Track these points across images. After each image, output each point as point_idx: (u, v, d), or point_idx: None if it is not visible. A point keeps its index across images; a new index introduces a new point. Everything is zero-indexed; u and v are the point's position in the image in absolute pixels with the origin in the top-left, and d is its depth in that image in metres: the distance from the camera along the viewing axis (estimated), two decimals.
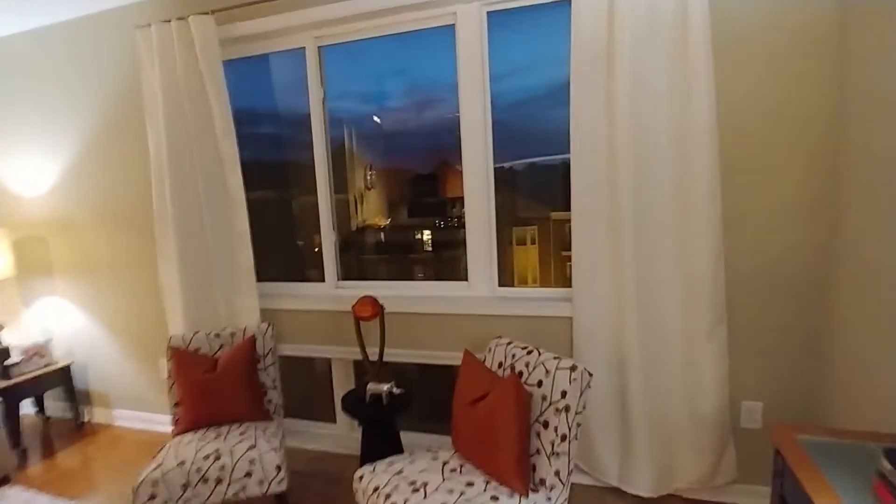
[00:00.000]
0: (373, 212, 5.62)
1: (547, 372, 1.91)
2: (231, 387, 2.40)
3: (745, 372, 2.20)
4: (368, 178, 5.38)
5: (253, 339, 2.55)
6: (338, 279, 2.91)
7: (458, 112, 2.54)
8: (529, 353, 2.04)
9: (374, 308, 2.37)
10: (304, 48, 2.77)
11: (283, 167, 3.47)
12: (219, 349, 2.58)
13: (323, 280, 2.92)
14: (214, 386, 2.38)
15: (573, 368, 1.84)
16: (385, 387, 2.35)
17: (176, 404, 2.47)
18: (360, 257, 5.93)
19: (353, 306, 2.41)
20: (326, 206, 2.83)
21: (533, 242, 7.72)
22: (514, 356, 2.09)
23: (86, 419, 3.54)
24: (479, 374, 2.07)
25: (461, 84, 2.50)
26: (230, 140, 2.73)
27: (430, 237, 6.24)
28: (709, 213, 2.05)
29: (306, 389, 3.32)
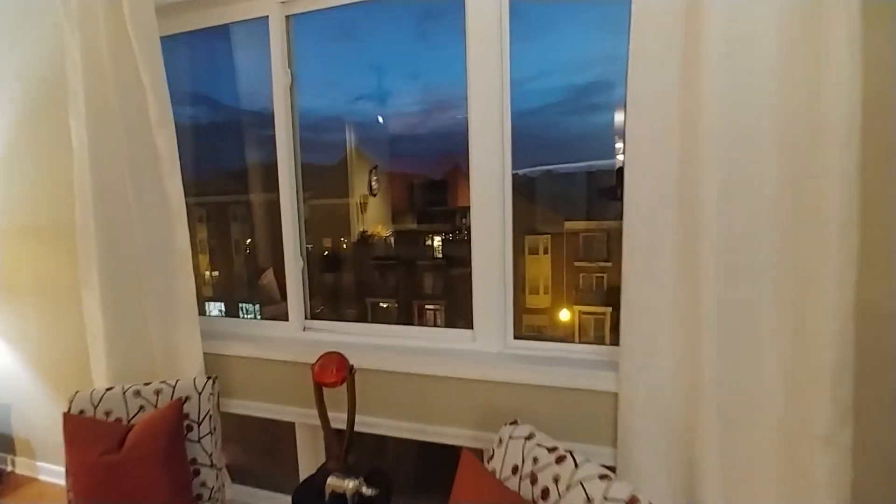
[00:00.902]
0: (375, 220, 4.90)
1: (589, 501, 1.16)
2: (143, 472, 1.67)
3: (875, 495, 1.41)
4: (372, 183, 4.63)
5: (181, 403, 1.81)
6: (305, 318, 2.15)
7: (467, 104, 1.79)
8: (560, 460, 1.30)
9: (339, 372, 1.62)
10: (266, 17, 2.03)
11: (248, 172, 2.76)
12: (137, 412, 1.85)
13: (286, 318, 2.16)
14: (117, 472, 1.65)
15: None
16: (350, 484, 1.58)
17: (70, 498, 1.73)
18: (358, 274, 5.15)
19: (314, 366, 1.65)
20: (292, 225, 2.09)
21: (546, 252, 6.99)
22: (535, 460, 1.34)
23: (8, 469, 2.81)
24: (484, 490, 1.31)
25: (471, 71, 1.78)
26: (168, 133, 2.00)
27: (438, 249, 5.46)
28: (838, 251, 1.27)
29: (267, 445, 2.57)
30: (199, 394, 1.87)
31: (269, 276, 3.59)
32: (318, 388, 1.68)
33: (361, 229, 4.80)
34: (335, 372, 1.62)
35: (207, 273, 4.19)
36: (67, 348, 2.48)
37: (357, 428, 1.79)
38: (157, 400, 1.87)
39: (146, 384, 1.91)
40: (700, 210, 1.38)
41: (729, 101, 1.32)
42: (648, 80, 1.42)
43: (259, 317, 3.44)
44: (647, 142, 1.45)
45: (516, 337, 1.86)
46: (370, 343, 1.99)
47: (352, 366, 1.66)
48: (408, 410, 1.87)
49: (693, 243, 1.41)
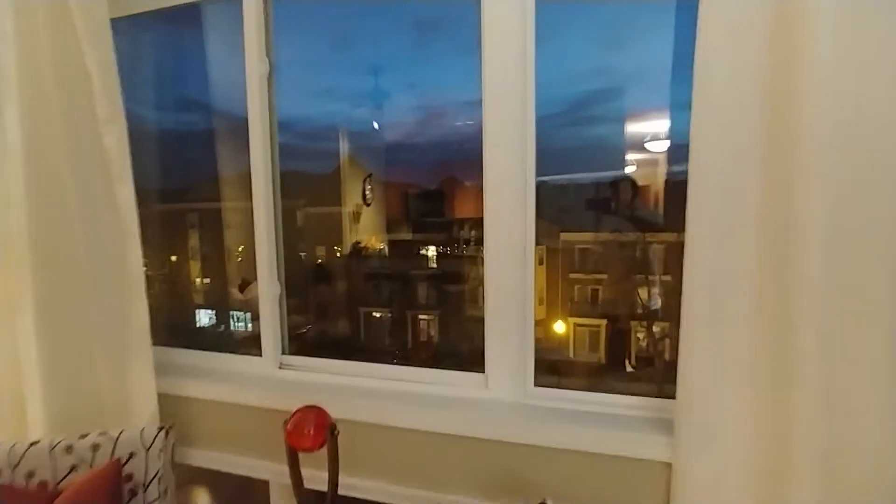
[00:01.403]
0: (369, 231, 4.53)
1: None
2: None
3: None
4: (366, 192, 4.26)
5: (120, 464, 1.41)
6: (283, 352, 1.76)
7: (482, 107, 1.42)
8: None
9: (318, 434, 1.24)
10: None
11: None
12: (68, 474, 1.45)
13: (260, 353, 1.77)
14: None
15: None
16: None
17: None
18: (350, 285, 4.76)
19: (287, 424, 1.26)
20: (267, 242, 1.71)
21: (541, 263, 6.66)
22: None
23: None
24: None
25: (488, 71, 1.41)
26: (118, 129, 1.62)
27: (433, 260, 5.08)
28: None
29: (237, 494, 2.17)
30: (147, 449, 1.48)
31: (255, 290, 3.22)
32: (292, 451, 1.29)
33: (355, 240, 4.40)
34: (312, 434, 1.23)
35: (199, 280, 3.85)
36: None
37: (342, 491, 1.40)
38: (94, 458, 1.47)
39: (82, 437, 1.51)
40: (795, 233, 1.01)
41: (842, 94, 0.96)
42: (723, 66, 1.05)
43: (250, 326, 3.09)
44: (718, 146, 1.08)
45: (538, 383, 1.47)
46: (359, 386, 1.60)
47: (334, 425, 1.27)
48: (404, 473, 1.48)
49: (783, 275, 1.05)
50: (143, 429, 1.53)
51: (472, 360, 1.56)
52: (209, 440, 1.72)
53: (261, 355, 1.75)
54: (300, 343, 3.46)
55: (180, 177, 2.82)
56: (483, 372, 1.51)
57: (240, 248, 3.27)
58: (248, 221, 1.82)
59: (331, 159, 4.44)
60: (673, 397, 1.18)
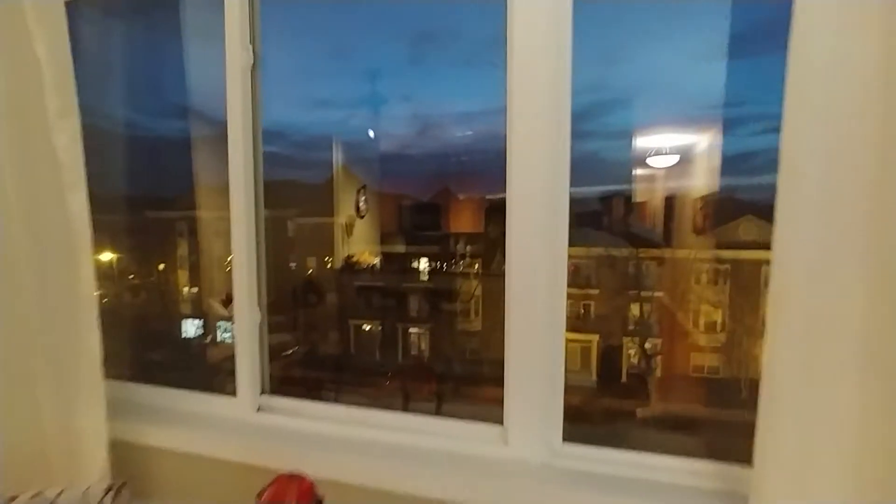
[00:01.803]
0: (362, 243, 4.27)
1: None
2: None
3: None
4: (360, 204, 4.01)
5: None
6: (262, 392, 1.47)
7: (506, 113, 1.16)
8: None
9: None
10: None
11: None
12: None
13: (234, 393, 1.47)
14: None
15: None
16: None
17: None
18: (339, 306, 4.48)
19: (261, 496, 0.97)
20: (246, 261, 1.42)
21: None
22: None
23: None
24: None
25: (515, 70, 1.13)
26: (71, 127, 1.34)
27: (425, 273, 4.81)
28: None
29: None
30: None
31: None
32: None
33: (347, 253, 4.12)
34: None
35: (186, 289, 3.60)
36: None
37: None
38: None
39: (11, 499, 1.20)
40: None
41: None
42: (825, 53, 0.80)
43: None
44: (819, 151, 0.82)
45: (567, 438, 1.20)
46: (350, 437, 1.31)
47: (320, 500, 0.99)
48: None
49: None
50: (87, 488, 1.23)
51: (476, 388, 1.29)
52: (174, 497, 1.42)
53: (235, 395, 1.46)
54: (286, 366, 3.18)
55: (160, 183, 2.59)
56: (500, 422, 1.24)
57: (229, 259, 2.99)
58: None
59: (323, 169, 4.20)
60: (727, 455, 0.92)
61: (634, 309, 6.65)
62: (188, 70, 2.11)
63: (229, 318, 1.50)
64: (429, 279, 4.33)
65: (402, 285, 4.66)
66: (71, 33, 1.35)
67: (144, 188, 2.40)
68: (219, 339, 3.12)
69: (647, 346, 6.49)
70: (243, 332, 1.41)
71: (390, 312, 4.86)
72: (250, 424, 1.42)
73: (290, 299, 3.77)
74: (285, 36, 1.58)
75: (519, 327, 1.20)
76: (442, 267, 4.24)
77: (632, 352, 6.55)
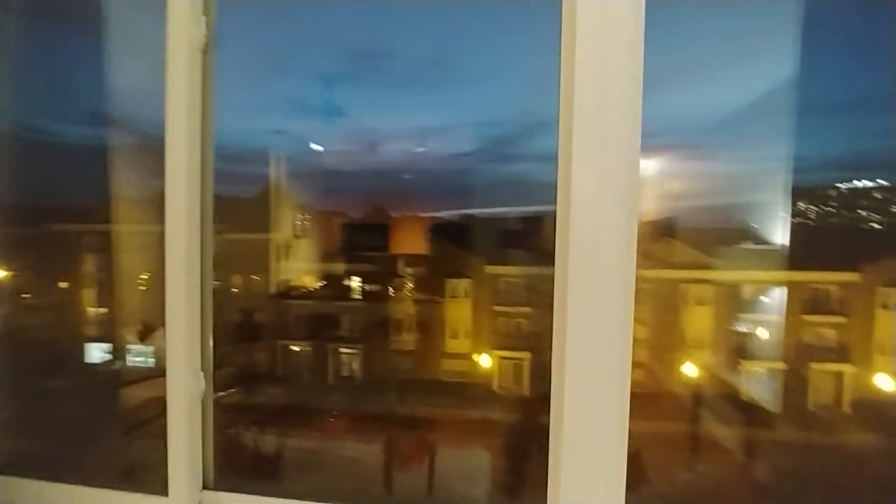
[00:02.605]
0: (301, 266, 3.82)
1: None
2: None
3: None
4: (298, 223, 3.57)
5: None
6: (203, 487, 1.04)
7: (560, 123, 0.86)
8: None
9: None
10: None
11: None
12: None
13: (165, 490, 1.04)
14: None
15: None
16: None
17: None
18: (275, 348, 3.98)
19: None
20: (186, 308, 0.99)
21: (466, 296, 6.22)
22: None
23: None
24: None
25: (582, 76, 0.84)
26: None
27: (366, 301, 4.43)
28: None
29: None
30: None
31: (158, 340, 2.40)
32: None
33: (284, 278, 3.65)
34: None
35: (92, 310, 2.95)
36: None
37: None
38: None
39: None
40: None
41: None
42: None
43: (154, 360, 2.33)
44: None
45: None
46: None
47: None
48: None
49: None
50: None
51: None
52: None
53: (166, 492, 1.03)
54: (222, 414, 2.65)
55: (67, 194, 2.25)
56: None
57: (144, 277, 2.47)
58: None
59: (254, 183, 3.75)
60: None
61: None
62: (108, 73, 1.68)
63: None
64: (386, 305, 3.97)
65: (343, 311, 4.24)
66: None
67: (49, 199, 2.00)
68: (128, 363, 2.60)
69: None
70: (178, 409, 0.99)
71: (326, 336, 4.42)
72: None
73: (223, 330, 3.25)
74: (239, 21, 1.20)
75: (577, 397, 0.89)
76: (389, 290, 3.90)
77: None
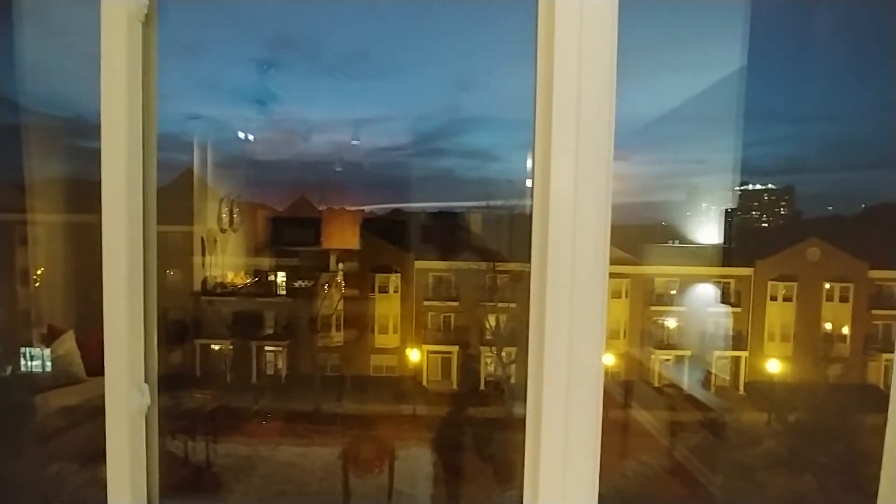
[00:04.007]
0: (230, 261, 3.58)
1: None
2: None
3: None
4: (223, 216, 3.33)
5: None
6: None
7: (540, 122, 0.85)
8: None
9: None
10: None
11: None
12: None
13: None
14: None
15: None
16: None
17: None
18: (196, 349, 3.75)
19: None
20: (128, 308, 0.87)
21: (396, 291, 6.18)
22: None
23: None
24: None
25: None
26: None
27: (285, 289, 4.27)
28: None
29: None
30: None
31: (67, 344, 2.17)
32: None
33: (210, 274, 3.40)
34: None
35: None
36: None
37: None
38: None
39: None
40: None
41: None
42: None
43: (50, 366, 2.05)
44: None
45: None
46: None
47: None
48: None
49: None
50: None
51: None
52: None
53: None
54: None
55: None
56: None
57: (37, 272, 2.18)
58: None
59: (175, 172, 3.44)
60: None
61: (491, 320, 6.79)
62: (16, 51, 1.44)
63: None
64: (313, 300, 3.81)
65: (274, 309, 4.05)
66: None
67: None
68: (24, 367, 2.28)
69: (503, 354, 6.64)
70: (119, 429, 0.86)
71: (251, 335, 4.22)
72: None
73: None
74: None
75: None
76: (317, 285, 3.79)
77: (489, 360, 6.65)
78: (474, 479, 3.18)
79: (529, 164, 0.94)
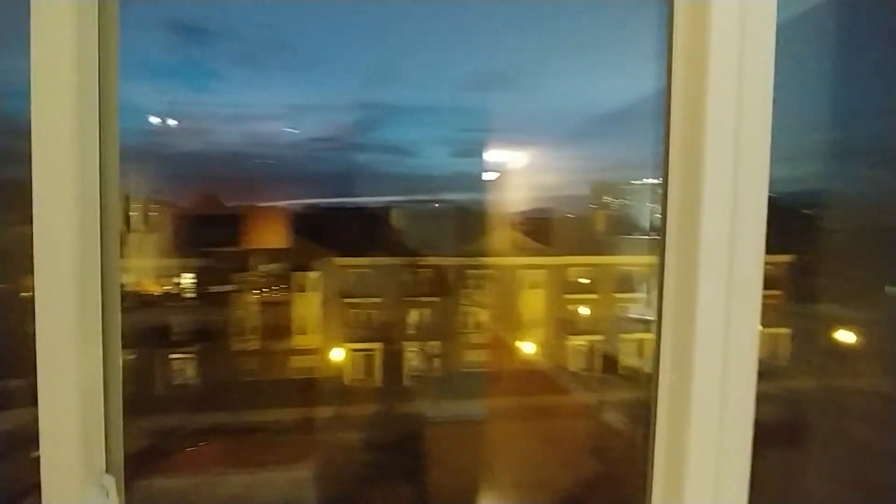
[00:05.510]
0: (139, 266, 3.20)
1: None
2: None
3: None
4: (131, 214, 2.97)
5: None
6: None
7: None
8: None
9: None
10: None
11: None
12: None
13: None
14: None
15: None
16: None
17: None
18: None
19: None
20: (84, 378, 0.68)
21: (315, 289, 5.92)
22: None
23: None
24: None
25: None
26: None
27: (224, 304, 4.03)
28: None
29: None
30: None
31: None
32: None
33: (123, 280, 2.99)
34: None
35: None
36: None
37: None
38: None
39: None
40: None
41: None
42: None
43: None
44: None
45: None
46: None
47: None
48: None
49: None
50: None
51: None
52: None
53: None
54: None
55: None
56: None
57: None
58: None
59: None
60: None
61: (414, 315, 6.72)
62: None
63: None
64: (228, 303, 3.50)
65: (186, 314, 3.71)
66: None
67: None
68: None
69: (425, 349, 6.61)
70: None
71: (162, 343, 3.87)
72: None
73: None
74: None
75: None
76: (231, 287, 3.55)
77: (412, 355, 6.59)
78: (399, 474, 3.12)
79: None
